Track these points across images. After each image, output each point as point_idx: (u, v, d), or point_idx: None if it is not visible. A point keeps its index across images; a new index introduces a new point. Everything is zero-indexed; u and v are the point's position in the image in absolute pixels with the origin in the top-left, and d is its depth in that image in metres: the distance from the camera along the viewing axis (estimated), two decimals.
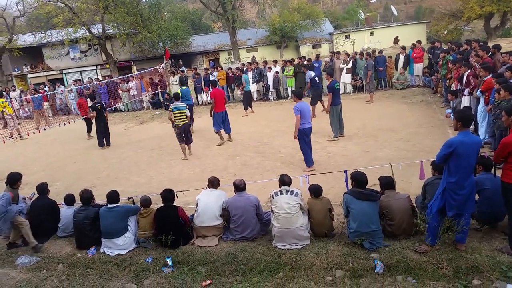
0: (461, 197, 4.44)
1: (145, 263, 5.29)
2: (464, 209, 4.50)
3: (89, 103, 13.50)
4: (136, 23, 30.00)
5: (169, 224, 5.55)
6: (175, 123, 9.92)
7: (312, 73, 13.29)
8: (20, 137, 14.76)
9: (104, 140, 12.36)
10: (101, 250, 5.73)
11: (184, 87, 13.57)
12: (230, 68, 19.24)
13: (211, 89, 11.57)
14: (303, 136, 8.21)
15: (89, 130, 13.77)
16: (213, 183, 5.98)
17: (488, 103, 7.93)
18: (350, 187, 5.48)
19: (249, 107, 15.18)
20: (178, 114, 9.88)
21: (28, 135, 14.31)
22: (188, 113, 10.18)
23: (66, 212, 6.32)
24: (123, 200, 6.20)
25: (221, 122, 11.12)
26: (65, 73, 33.19)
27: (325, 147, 9.67)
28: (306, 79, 13.26)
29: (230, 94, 18.42)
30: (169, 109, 10.11)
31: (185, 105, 10.21)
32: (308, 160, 8.35)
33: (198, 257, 5.31)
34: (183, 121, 9.92)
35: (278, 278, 4.67)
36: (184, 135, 10.04)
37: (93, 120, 12.78)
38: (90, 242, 5.84)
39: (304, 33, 37.04)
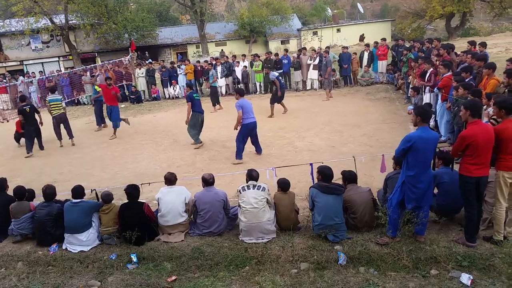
0: (419, 190, 4.60)
1: (109, 260, 5.19)
2: (422, 201, 4.67)
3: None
4: (101, 13, 29.19)
5: (134, 220, 5.44)
6: (52, 113, 11.05)
7: (276, 73, 13.00)
8: None
9: (32, 144, 10.89)
10: (64, 247, 5.58)
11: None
12: (198, 61, 19.01)
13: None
14: (245, 131, 8.57)
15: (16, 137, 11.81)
16: (170, 179, 5.83)
17: (445, 100, 8.25)
18: (315, 180, 5.57)
19: (217, 104, 14.70)
20: (54, 105, 11.11)
21: None
22: (63, 105, 11.70)
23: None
24: (86, 192, 6.02)
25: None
26: (25, 64, 31.90)
27: (292, 142, 9.77)
28: (270, 79, 13.08)
29: (198, 88, 18.24)
30: (46, 101, 11.42)
31: (61, 97, 11.64)
32: (239, 154, 8.67)
33: (163, 253, 5.26)
34: (59, 111, 11.13)
35: (244, 272, 4.71)
36: (62, 124, 11.23)
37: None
38: (51, 240, 5.66)
39: (273, 28, 37.18)
